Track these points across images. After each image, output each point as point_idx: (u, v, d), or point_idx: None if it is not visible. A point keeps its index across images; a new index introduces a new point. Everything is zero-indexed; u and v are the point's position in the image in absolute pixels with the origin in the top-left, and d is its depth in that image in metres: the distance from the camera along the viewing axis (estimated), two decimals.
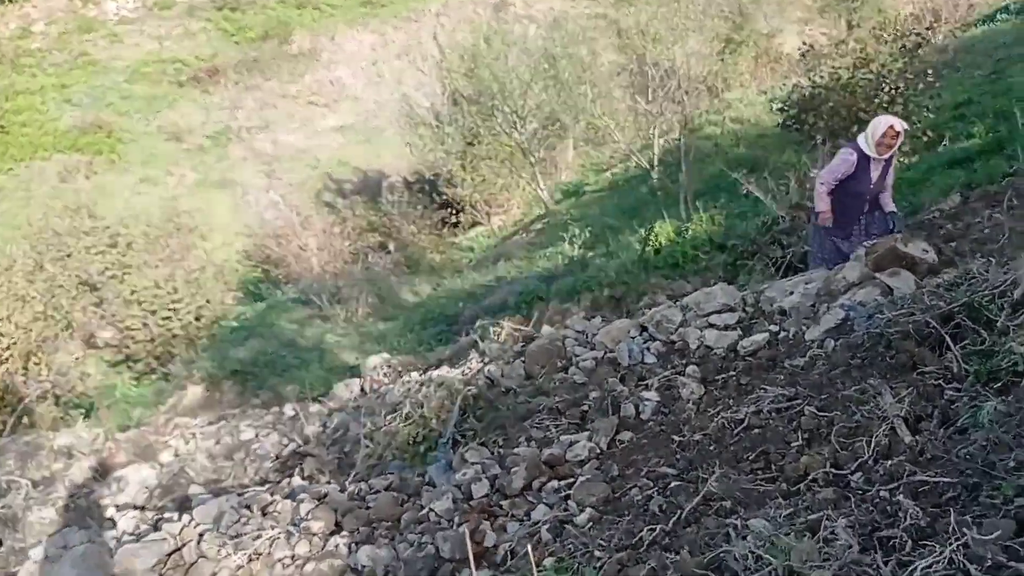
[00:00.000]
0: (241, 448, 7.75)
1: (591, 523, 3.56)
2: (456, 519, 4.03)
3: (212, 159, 28.30)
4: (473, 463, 4.52)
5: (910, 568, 2.19)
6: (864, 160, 5.99)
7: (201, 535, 4.67)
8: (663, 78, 15.28)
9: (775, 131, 14.06)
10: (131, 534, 5.19)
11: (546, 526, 3.67)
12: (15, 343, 11.78)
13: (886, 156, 5.96)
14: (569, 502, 3.83)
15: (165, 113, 29.03)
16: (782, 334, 4.77)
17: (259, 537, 4.38)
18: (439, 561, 3.75)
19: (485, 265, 17.56)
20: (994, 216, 5.39)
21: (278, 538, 4.33)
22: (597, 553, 3.16)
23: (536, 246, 16.73)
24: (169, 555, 4.46)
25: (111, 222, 20.86)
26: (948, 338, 3.42)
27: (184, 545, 4.50)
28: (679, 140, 14.97)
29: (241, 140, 29.28)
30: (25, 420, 11.24)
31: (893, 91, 9.86)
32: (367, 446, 5.81)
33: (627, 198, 17.03)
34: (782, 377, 4.15)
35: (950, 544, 2.18)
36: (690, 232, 9.90)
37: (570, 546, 3.37)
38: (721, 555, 2.67)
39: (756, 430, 3.74)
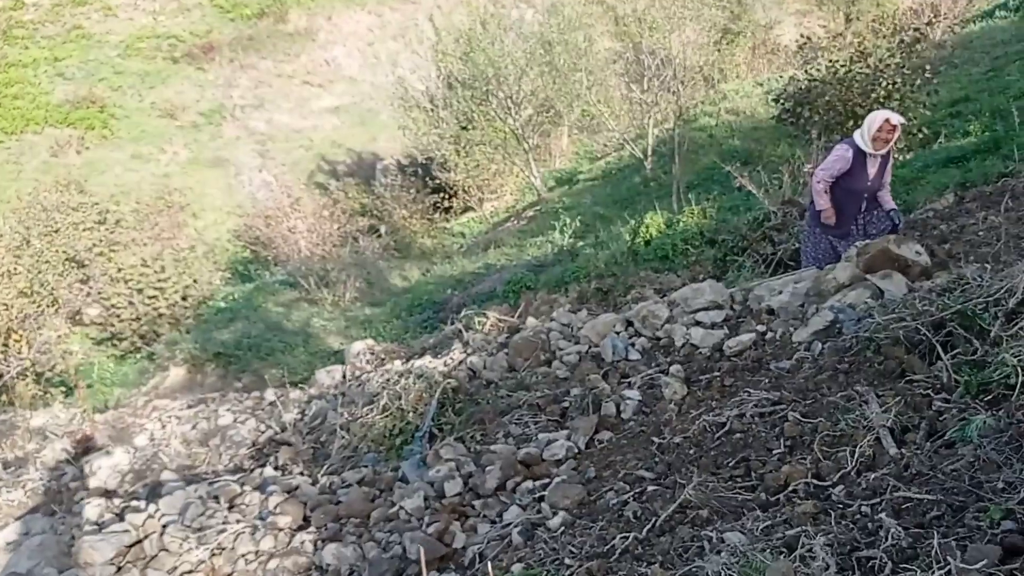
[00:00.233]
0: (217, 434, 7.62)
1: (564, 527, 3.44)
2: (426, 518, 3.91)
3: (205, 137, 28.04)
4: (447, 460, 4.39)
5: None
6: (860, 156, 5.85)
7: (165, 527, 4.54)
8: (659, 67, 15.11)
9: (770, 124, 13.92)
10: (95, 523, 5.05)
11: (517, 529, 3.55)
12: None
13: (882, 152, 5.82)
14: (543, 504, 3.71)
15: (159, 89, 28.72)
16: (769, 334, 4.65)
17: (223, 531, 4.25)
18: (405, 562, 3.63)
19: (475, 251, 17.43)
20: (989, 218, 5.27)
21: (243, 532, 4.21)
22: (567, 560, 3.04)
23: (527, 234, 16.58)
24: (130, 547, 4.32)
25: (101, 198, 20.67)
26: (939, 346, 3.30)
27: (146, 537, 4.37)
28: (673, 130, 14.81)
29: (235, 119, 29.01)
30: (4, 398, 11.10)
31: (890, 86, 9.72)
32: (343, 437, 5.68)
33: (620, 188, 16.90)
34: (767, 380, 4.03)
35: (932, 571, 2.06)
36: (681, 224, 9.76)
37: (540, 551, 3.25)
38: (694, 570, 2.55)
39: (738, 435, 3.62)
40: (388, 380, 5.85)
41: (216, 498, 4.95)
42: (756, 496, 3.04)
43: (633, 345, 5.54)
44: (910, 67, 10.14)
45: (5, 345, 11.84)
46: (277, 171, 26.98)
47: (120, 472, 7.53)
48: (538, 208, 19.02)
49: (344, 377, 8.55)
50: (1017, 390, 2.82)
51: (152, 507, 5.08)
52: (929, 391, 3.18)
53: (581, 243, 12.97)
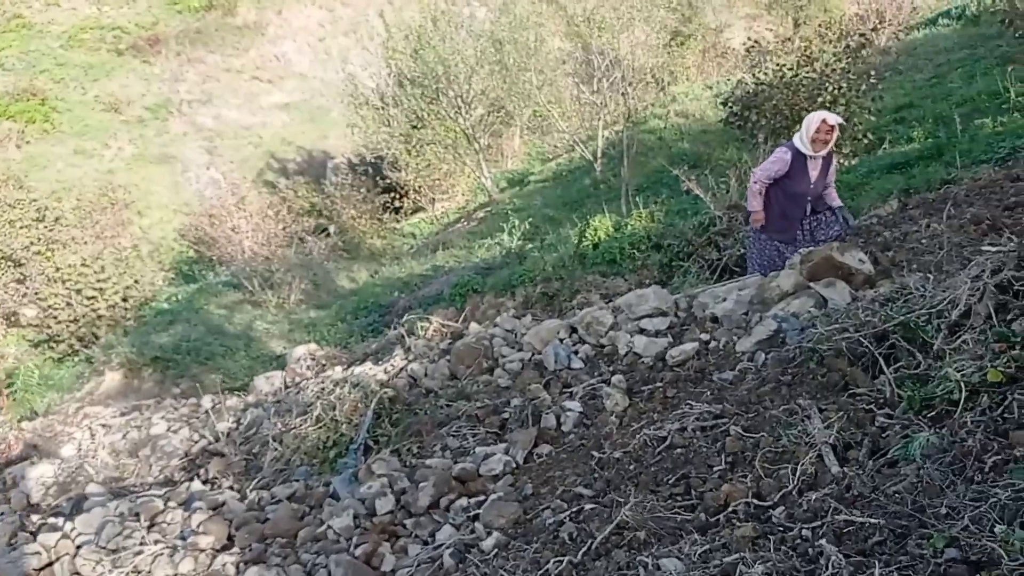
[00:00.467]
0: (148, 444, 7.34)
1: (497, 549, 3.28)
2: (355, 539, 3.71)
3: (151, 132, 27.27)
4: (380, 475, 4.19)
5: None
6: (800, 159, 5.79)
7: (79, 547, 4.28)
8: (608, 68, 15.03)
9: (719, 127, 13.94)
10: (8, 543, 4.75)
11: (449, 551, 3.38)
12: None
13: (823, 153, 5.76)
14: (477, 523, 3.54)
15: (103, 82, 27.84)
16: (712, 343, 4.55)
17: (140, 552, 4.00)
18: None
19: (425, 252, 17.20)
20: (932, 225, 5.25)
21: (161, 554, 3.96)
22: None
23: (477, 235, 16.40)
24: (40, 571, 4.05)
25: (42, 194, 19.96)
26: (881, 360, 3.22)
27: (57, 560, 4.10)
28: (622, 132, 14.77)
29: (182, 114, 28.29)
30: None
31: (836, 91, 9.76)
32: (275, 449, 5.45)
33: (570, 189, 16.81)
34: (709, 392, 3.92)
35: None
36: (629, 228, 9.69)
37: (472, 575, 3.09)
38: None
39: (679, 450, 3.50)
40: (323, 389, 5.63)
41: (137, 515, 4.68)
42: (695, 517, 2.91)
43: (576, 353, 5.41)
44: (856, 72, 10.20)
45: None
46: (225, 168, 26.38)
47: (44, 484, 7.20)
48: (489, 209, 18.85)
49: (285, 383, 8.30)
50: (960, 406, 2.74)
51: (69, 525, 4.80)
52: (872, 406, 3.09)
53: (530, 245, 12.84)
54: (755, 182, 5.97)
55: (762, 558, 2.38)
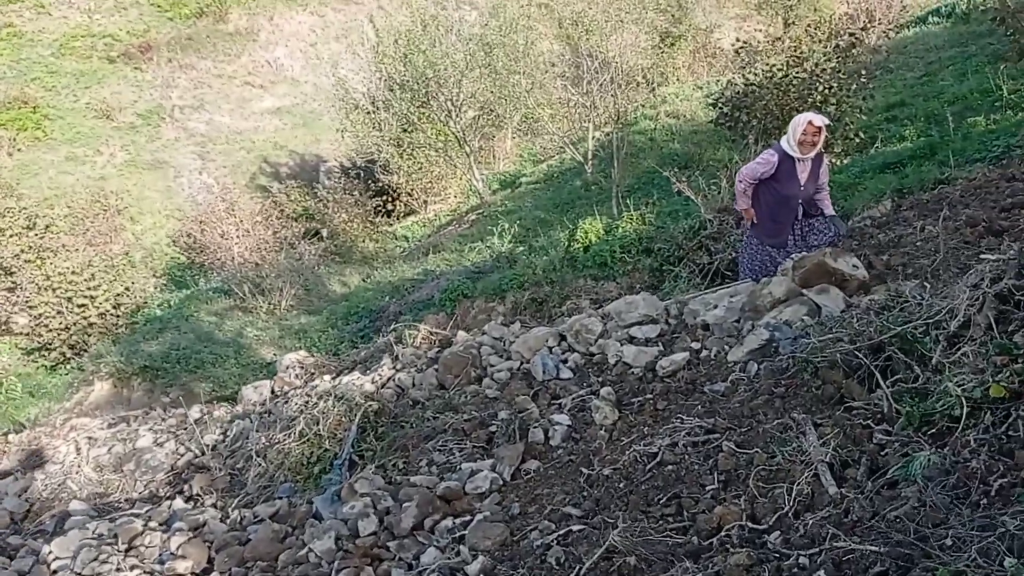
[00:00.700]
0: (132, 458, 7.19)
1: (483, 574, 3.16)
2: (337, 563, 3.58)
3: (143, 139, 27.15)
4: (363, 494, 4.06)
5: None
6: (788, 161, 5.67)
7: (55, 572, 4.14)
8: (597, 70, 14.92)
9: (710, 127, 13.85)
10: None
11: (434, 575, 3.25)
12: None
13: (810, 155, 5.65)
14: (462, 546, 3.42)
15: (94, 89, 27.73)
16: (703, 352, 4.43)
17: None
18: None
19: (417, 256, 17.06)
20: (927, 227, 5.15)
21: None
22: None
23: (468, 238, 16.27)
24: None
25: (34, 201, 19.83)
26: (877, 372, 3.10)
27: None
28: (612, 134, 14.66)
29: (174, 120, 28.17)
30: None
31: (826, 91, 9.67)
32: (259, 464, 5.32)
33: (561, 191, 16.70)
34: (700, 405, 3.80)
35: None
36: (620, 230, 9.57)
37: None
38: None
39: (670, 467, 3.38)
40: (307, 403, 5.48)
41: (115, 537, 4.55)
42: (687, 541, 2.79)
43: (565, 362, 5.29)
44: (846, 72, 10.11)
45: None
46: (218, 173, 26.29)
47: (28, 501, 7.06)
48: (480, 212, 18.73)
49: (273, 392, 8.17)
50: (962, 423, 2.62)
51: (45, 549, 4.66)
52: (869, 421, 2.98)
53: (520, 248, 12.72)
54: (740, 181, 5.86)
55: None
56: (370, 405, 5.16)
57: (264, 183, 25.85)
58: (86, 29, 29.39)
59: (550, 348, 5.61)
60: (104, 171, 25.50)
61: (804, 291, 4.36)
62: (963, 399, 2.67)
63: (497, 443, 4.39)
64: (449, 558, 3.37)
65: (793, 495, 2.77)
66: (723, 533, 2.74)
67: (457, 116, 19.25)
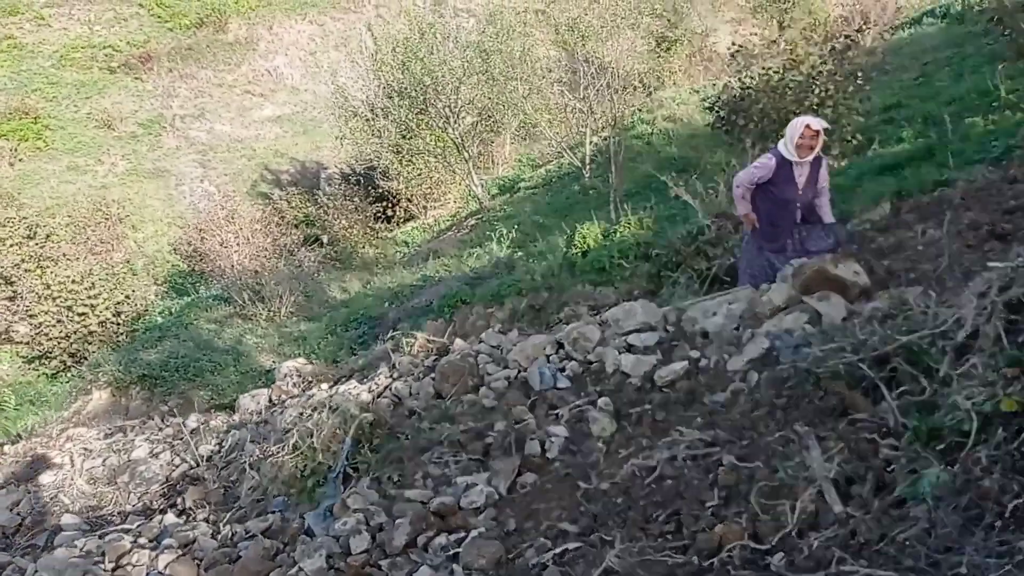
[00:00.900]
0: (127, 470, 7.10)
1: None
2: None
3: (144, 148, 27.27)
4: (355, 510, 3.96)
5: None
6: (786, 166, 5.59)
7: None
8: (594, 74, 14.87)
9: (707, 131, 13.79)
10: None
11: None
12: None
13: (809, 159, 5.56)
14: (456, 565, 3.32)
15: (95, 99, 27.89)
16: (703, 361, 4.34)
17: None
18: None
19: (417, 261, 16.99)
20: (928, 231, 5.07)
21: None
22: None
23: (467, 243, 16.21)
24: None
25: (35, 211, 19.82)
26: (883, 385, 3.01)
27: None
28: (609, 138, 14.60)
29: (175, 129, 28.27)
30: None
31: (823, 93, 9.61)
32: (253, 477, 5.22)
33: (559, 196, 16.64)
34: (700, 417, 3.71)
35: None
36: (618, 235, 9.49)
37: None
38: None
39: (669, 481, 3.29)
40: (301, 414, 5.39)
41: (103, 555, 4.45)
42: (687, 561, 2.70)
43: (563, 370, 5.20)
44: (842, 74, 10.04)
45: None
46: (219, 181, 26.35)
47: (20, 514, 6.97)
48: (480, 216, 18.68)
49: (271, 400, 8.09)
50: (972, 439, 2.53)
51: (31, 568, 4.57)
52: (875, 435, 2.89)
53: (519, 253, 12.65)
54: (737, 186, 5.78)
55: None
56: (365, 417, 5.06)
57: (265, 190, 25.88)
58: (86, 40, 29.55)
59: (548, 356, 5.52)
60: (105, 180, 25.58)
61: (805, 298, 4.27)
62: (973, 413, 2.58)
63: (493, 455, 4.30)
64: None
65: (796, 513, 2.69)
66: (724, 553, 2.65)
67: (455, 122, 19.23)
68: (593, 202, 14.33)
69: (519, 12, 19.91)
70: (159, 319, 15.82)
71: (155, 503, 6.40)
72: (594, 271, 8.98)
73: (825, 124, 5.60)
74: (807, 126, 5.43)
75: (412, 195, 21.38)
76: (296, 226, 21.96)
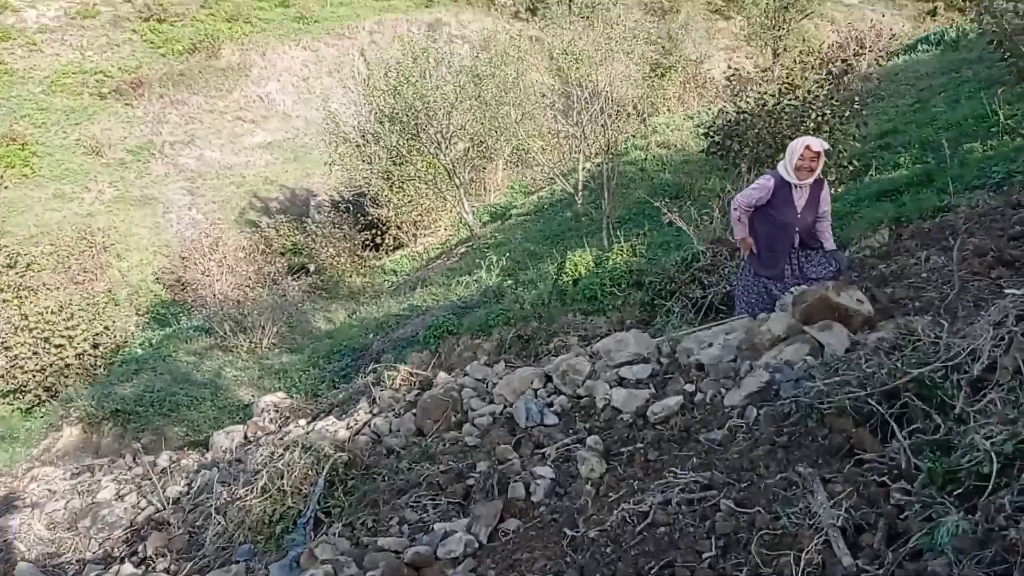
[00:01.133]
0: (88, 513, 6.74)
1: None
2: None
3: (132, 175, 27.08)
4: (323, 561, 3.67)
5: None
6: (785, 188, 5.38)
7: None
8: (588, 100, 14.74)
9: (701, 157, 13.64)
10: None
11: None
12: None
13: (808, 181, 5.35)
14: None
15: (84, 126, 27.79)
16: (698, 396, 4.08)
17: None
18: None
19: (404, 291, 16.73)
20: (931, 257, 4.84)
21: None
22: None
23: (456, 272, 15.96)
24: None
25: (17, 239, 19.51)
26: (892, 422, 2.75)
27: None
28: (602, 164, 14.44)
29: (164, 155, 28.12)
30: None
31: (819, 118, 9.46)
32: (218, 523, 4.91)
33: (551, 223, 16.45)
34: (696, 457, 3.44)
35: None
36: (610, 263, 9.26)
37: None
38: None
39: (662, 528, 3.02)
40: (273, 454, 5.10)
41: None
42: None
43: (551, 405, 4.94)
44: (839, 99, 9.90)
45: None
46: (207, 209, 26.12)
47: None
48: (470, 244, 18.46)
49: (245, 438, 7.77)
50: (992, 482, 2.27)
51: None
52: (885, 478, 2.62)
53: (509, 281, 12.41)
54: (735, 208, 5.57)
55: None
56: (339, 456, 4.77)
57: (253, 218, 25.66)
58: (78, 66, 29.52)
59: (535, 390, 5.26)
60: (92, 208, 25.33)
61: (806, 328, 4.02)
62: (992, 454, 2.32)
63: (475, 498, 4.02)
64: None
65: (802, 565, 2.42)
66: None
67: (447, 148, 19.07)
68: (585, 229, 14.13)
69: (513, 37, 19.85)
70: (138, 351, 15.47)
71: (116, 550, 6.05)
72: (585, 299, 8.74)
73: (826, 146, 5.40)
74: (807, 147, 5.23)
75: (402, 222, 21.19)
76: (283, 254, 21.72)
